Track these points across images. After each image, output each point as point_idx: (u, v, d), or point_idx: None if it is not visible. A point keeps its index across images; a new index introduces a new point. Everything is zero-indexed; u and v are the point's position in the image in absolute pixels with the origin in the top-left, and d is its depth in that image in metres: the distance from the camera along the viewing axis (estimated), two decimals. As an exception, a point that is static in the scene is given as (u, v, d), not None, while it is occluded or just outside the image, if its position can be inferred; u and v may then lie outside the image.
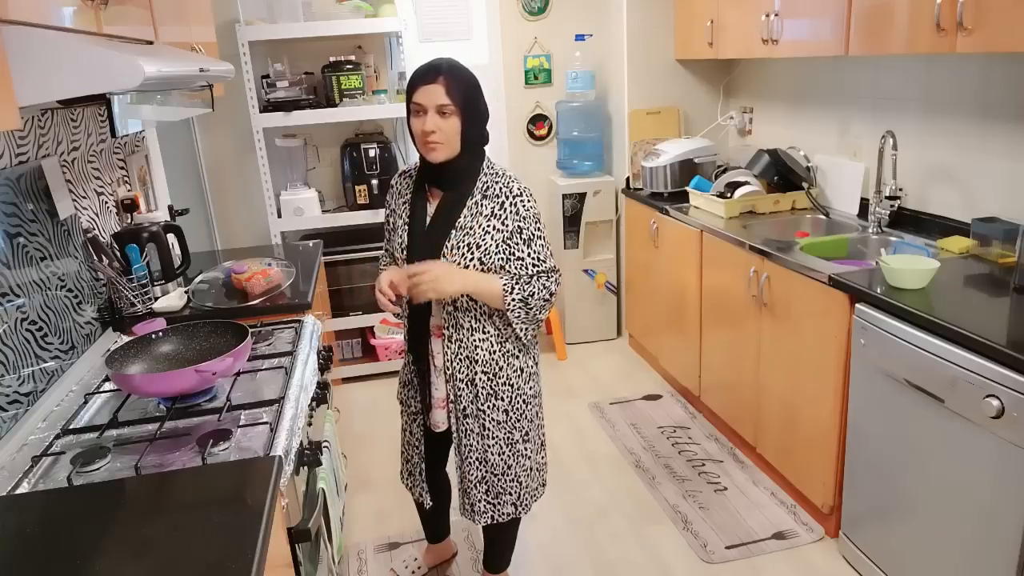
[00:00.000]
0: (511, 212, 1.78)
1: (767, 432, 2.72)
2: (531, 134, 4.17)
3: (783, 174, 3.09)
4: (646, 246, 3.66)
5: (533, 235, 1.80)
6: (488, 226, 1.78)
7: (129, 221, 2.49)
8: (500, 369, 1.89)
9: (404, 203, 1.91)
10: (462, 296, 1.83)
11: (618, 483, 2.86)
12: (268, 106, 3.51)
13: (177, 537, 1.17)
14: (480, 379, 1.88)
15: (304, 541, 1.47)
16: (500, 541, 2.20)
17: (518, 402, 1.93)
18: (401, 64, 3.60)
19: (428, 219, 1.84)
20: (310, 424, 1.82)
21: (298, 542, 1.46)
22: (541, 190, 4.26)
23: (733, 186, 3.12)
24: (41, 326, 1.79)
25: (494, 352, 1.88)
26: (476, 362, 1.88)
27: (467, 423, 1.93)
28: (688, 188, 3.33)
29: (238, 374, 1.84)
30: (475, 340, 1.86)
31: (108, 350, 1.97)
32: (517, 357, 1.92)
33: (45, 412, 1.73)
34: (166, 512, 1.24)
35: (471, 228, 1.79)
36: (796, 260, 2.44)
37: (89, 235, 2.13)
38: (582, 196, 3.98)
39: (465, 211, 1.80)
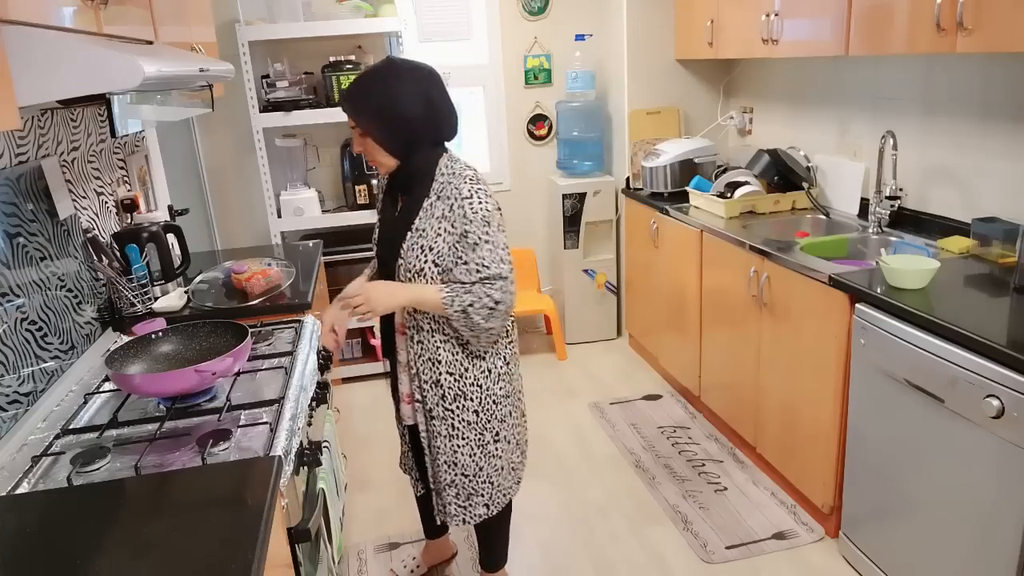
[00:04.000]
0: (459, 215, 1.75)
1: (767, 432, 2.72)
2: (531, 134, 4.17)
3: (783, 174, 3.09)
4: (646, 246, 3.66)
5: (479, 240, 1.74)
6: (440, 228, 1.77)
7: (129, 221, 2.49)
8: (466, 370, 1.88)
9: (380, 202, 1.95)
10: None
11: (618, 483, 2.86)
12: (268, 106, 3.51)
13: (177, 537, 1.17)
14: (446, 379, 1.88)
15: (304, 541, 1.47)
16: (490, 537, 2.19)
17: (488, 402, 1.92)
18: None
19: (393, 220, 1.88)
20: (310, 424, 1.82)
21: (298, 542, 1.46)
22: (541, 190, 4.26)
23: (733, 186, 3.12)
24: (41, 326, 1.79)
25: (457, 353, 1.87)
26: (440, 363, 1.87)
27: (435, 424, 1.92)
28: (688, 188, 3.33)
29: (238, 374, 1.84)
30: (436, 341, 1.86)
31: (108, 350, 1.97)
32: (483, 358, 1.90)
33: (45, 412, 1.73)
34: (166, 512, 1.24)
35: (424, 230, 1.79)
36: (796, 260, 2.44)
37: (89, 235, 2.13)
38: (582, 196, 3.98)
39: (421, 212, 1.80)
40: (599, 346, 4.20)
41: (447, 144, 1.86)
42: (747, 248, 2.70)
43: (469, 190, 1.75)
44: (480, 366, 1.90)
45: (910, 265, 2.07)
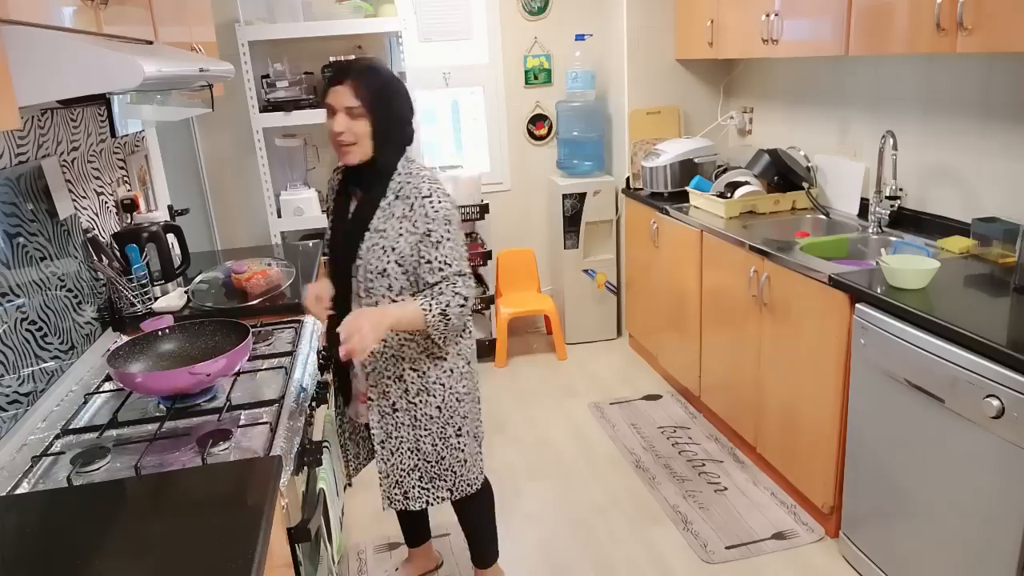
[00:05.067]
0: (420, 214, 1.76)
1: (767, 432, 2.72)
2: (531, 134, 4.17)
3: (783, 174, 3.09)
4: (646, 246, 3.66)
5: (442, 238, 1.77)
6: (401, 228, 1.77)
7: (129, 221, 2.49)
8: (429, 368, 1.89)
9: (335, 201, 1.91)
10: (385, 297, 1.82)
11: (618, 483, 2.86)
12: (268, 106, 3.51)
13: (177, 537, 1.17)
14: (409, 375, 1.88)
15: (304, 541, 1.47)
16: (477, 534, 2.19)
17: (451, 400, 1.93)
18: (401, 64, 3.60)
19: (349, 219, 1.85)
20: (310, 424, 1.82)
21: (298, 542, 1.46)
22: (541, 190, 4.26)
23: (733, 186, 3.12)
24: (41, 326, 1.79)
25: (420, 352, 1.88)
26: (403, 360, 1.88)
27: (397, 416, 1.91)
28: (688, 188, 3.33)
29: (238, 374, 1.84)
30: (400, 339, 1.86)
31: (109, 349, 1.97)
32: (444, 359, 1.90)
33: (45, 412, 1.73)
34: (166, 512, 1.24)
35: (384, 231, 1.78)
36: (796, 260, 2.44)
37: (89, 235, 2.13)
38: (582, 196, 3.97)
39: (378, 212, 1.79)
40: (599, 346, 4.20)
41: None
42: (747, 248, 2.70)
43: (428, 189, 1.77)
44: (443, 366, 1.90)
45: (910, 265, 2.07)
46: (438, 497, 2.00)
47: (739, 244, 2.75)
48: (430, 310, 1.75)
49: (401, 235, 1.77)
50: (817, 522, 2.52)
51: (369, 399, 1.92)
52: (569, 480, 2.90)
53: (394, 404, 1.91)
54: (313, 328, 2.21)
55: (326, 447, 1.82)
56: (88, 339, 2.04)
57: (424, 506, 1.99)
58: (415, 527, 2.36)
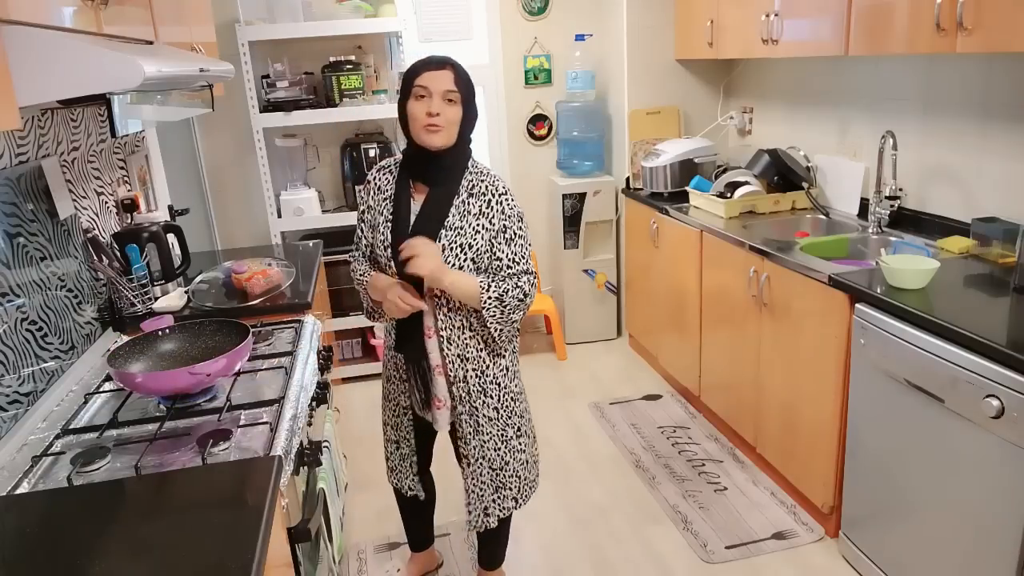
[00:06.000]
0: (498, 211, 1.79)
1: (767, 432, 2.72)
2: (531, 134, 4.17)
3: (783, 174, 3.09)
4: (646, 246, 3.66)
5: (515, 235, 1.82)
6: (477, 225, 1.78)
7: (129, 221, 2.49)
8: (487, 367, 1.91)
9: (385, 199, 1.86)
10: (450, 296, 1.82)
11: (618, 483, 2.86)
12: (268, 106, 3.51)
13: (177, 537, 1.17)
14: (471, 376, 1.89)
15: (304, 541, 1.47)
16: (494, 536, 2.18)
17: (506, 399, 1.95)
18: (401, 64, 3.60)
19: (413, 217, 1.81)
20: (310, 424, 1.82)
21: (298, 542, 1.46)
22: (541, 190, 4.26)
23: (733, 186, 3.12)
24: (41, 326, 1.79)
25: (481, 350, 1.89)
26: (467, 360, 1.89)
27: (463, 421, 1.93)
28: (688, 188, 3.33)
29: (238, 374, 1.84)
30: (465, 338, 1.87)
31: (108, 349, 1.97)
32: (503, 356, 1.93)
33: (45, 412, 1.73)
34: (166, 512, 1.24)
35: (461, 228, 1.78)
36: (796, 260, 2.44)
37: (89, 235, 2.13)
38: (582, 196, 3.97)
39: (453, 210, 1.79)
40: (599, 346, 4.20)
41: None
42: (747, 248, 2.70)
43: (504, 187, 1.82)
44: (500, 364, 1.93)
45: (910, 265, 2.07)
46: (504, 508, 2.00)
47: (739, 244, 2.75)
48: (487, 290, 1.78)
49: (478, 232, 1.79)
50: (817, 522, 2.52)
51: (454, 406, 1.93)
52: (569, 480, 2.90)
53: (455, 408, 1.93)
54: (313, 328, 2.21)
55: (326, 447, 1.82)
56: (88, 339, 2.04)
57: (494, 524, 2.01)
58: (421, 532, 2.35)
